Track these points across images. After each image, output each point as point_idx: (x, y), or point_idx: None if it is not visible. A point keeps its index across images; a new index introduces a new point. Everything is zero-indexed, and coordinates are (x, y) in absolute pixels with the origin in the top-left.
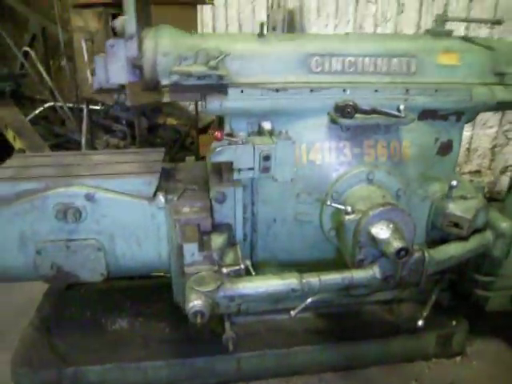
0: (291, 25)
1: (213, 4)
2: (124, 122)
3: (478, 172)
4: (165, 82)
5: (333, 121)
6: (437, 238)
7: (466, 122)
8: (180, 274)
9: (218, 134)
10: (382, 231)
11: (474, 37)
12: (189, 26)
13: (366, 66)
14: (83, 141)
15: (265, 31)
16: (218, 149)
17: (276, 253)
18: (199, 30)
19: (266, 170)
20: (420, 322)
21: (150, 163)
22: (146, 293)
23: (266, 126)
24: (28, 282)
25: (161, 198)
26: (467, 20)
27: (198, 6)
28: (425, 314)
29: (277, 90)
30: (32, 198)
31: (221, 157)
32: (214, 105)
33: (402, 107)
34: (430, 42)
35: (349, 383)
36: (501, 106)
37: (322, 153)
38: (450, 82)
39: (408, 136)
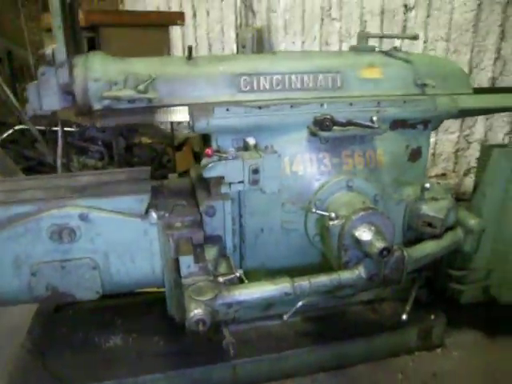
0: (260, 43)
1: (183, 25)
2: (100, 143)
3: (443, 175)
4: (97, 106)
5: (313, 134)
6: (412, 238)
7: (432, 130)
8: (174, 287)
9: (208, 150)
10: (364, 234)
11: (395, 51)
12: (162, 46)
13: (294, 83)
14: (59, 163)
15: (191, 54)
16: (209, 165)
17: (264, 261)
18: None
19: (255, 182)
20: (404, 316)
21: (138, 182)
22: (135, 309)
23: (251, 141)
24: (14, 306)
25: (153, 214)
26: (385, 36)
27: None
28: (408, 308)
29: (259, 108)
30: (25, 220)
31: (213, 172)
32: (201, 123)
33: (374, 118)
34: (353, 58)
35: (340, 381)
36: (462, 114)
37: (303, 164)
38: (373, 95)
39: (381, 145)
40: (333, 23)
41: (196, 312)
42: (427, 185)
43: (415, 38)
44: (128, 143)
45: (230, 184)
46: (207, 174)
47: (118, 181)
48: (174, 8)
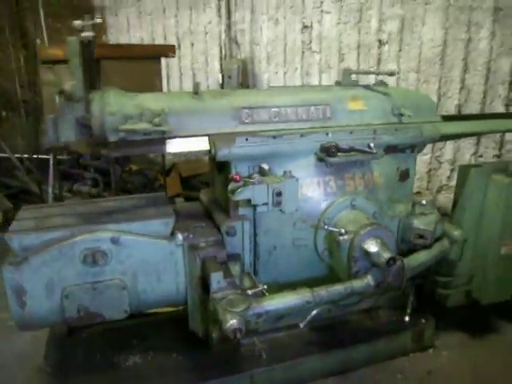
0: (244, 73)
1: (174, 57)
2: (92, 170)
3: (418, 193)
4: (112, 138)
5: (320, 159)
6: (405, 250)
7: (418, 153)
8: (199, 303)
9: (236, 176)
10: (372, 246)
11: (377, 86)
12: (154, 77)
13: (289, 115)
14: (50, 190)
15: (198, 90)
16: (239, 189)
17: (276, 276)
18: None
19: (278, 204)
20: (406, 318)
21: (159, 206)
22: (148, 329)
23: (265, 167)
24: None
25: (179, 236)
26: (366, 72)
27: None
28: (408, 311)
29: (274, 137)
30: (60, 245)
31: (242, 196)
32: (223, 151)
33: (372, 145)
34: (340, 92)
35: (347, 383)
36: (442, 139)
37: (312, 186)
38: (359, 124)
39: (377, 167)
40: (313, 55)
41: (232, 322)
42: (424, 201)
43: (392, 74)
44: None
45: (255, 206)
46: (237, 197)
47: (140, 206)
48: (158, 40)
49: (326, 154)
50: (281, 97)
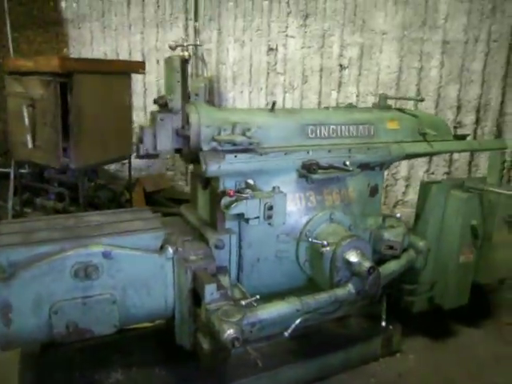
0: (210, 91)
1: (144, 73)
2: (55, 184)
3: None
4: (205, 148)
5: (303, 176)
6: (376, 260)
7: (385, 170)
8: (188, 316)
9: (230, 192)
10: (353, 256)
11: (405, 109)
12: (124, 92)
13: (343, 132)
14: (10, 204)
15: (274, 107)
16: (233, 204)
17: (259, 287)
18: None
19: (269, 217)
20: (383, 323)
21: (147, 220)
22: (127, 344)
23: (251, 182)
24: None
25: (169, 249)
26: (400, 98)
27: None
28: (384, 317)
29: (261, 154)
30: (50, 259)
31: (236, 210)
32: (213, 167)
33: (347, 163)
34: (380, 114)
35: None
36: (407, 157)
37: (294, 201)
38: (395, 142)
39: (351, 183)
40: (278, 76)
41: (230, 332)
42: (398, 215)
43: (422, 100)
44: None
45: (247, 219)
46: (232, 212)
47: (127, 220)
48: (122, 56)
49: (307, 171)
50: (336, 116)
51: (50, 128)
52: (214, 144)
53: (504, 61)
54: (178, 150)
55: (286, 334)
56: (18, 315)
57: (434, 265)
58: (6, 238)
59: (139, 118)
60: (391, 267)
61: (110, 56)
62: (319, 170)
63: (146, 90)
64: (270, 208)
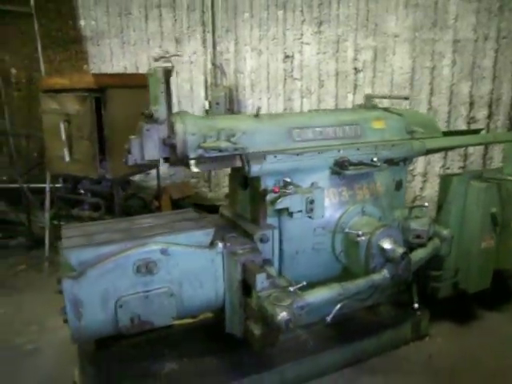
0: (230, 100)
1: None
2: (89, 195)
3: None
4: (192, 155)
5: (336, 173)
6: None
7: (408, 165)
8: (238, 306)
9: (275, 188)
10: (387, 243)
11: (390, 107)
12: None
13: (329, 133)
14: (47, 216)
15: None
16: (279, 200)
17: (297, 278)
18: None
19: (311, 210)
20: (416, 305)
21: (194, 220)
22: (175, 339)
23: (288, 180)
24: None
25: (220, 244)
26: (385, 97)
27: None
28: (416, 299)
29: (297, 154)
30: (115, 257)
31: (282, 205)
32: (255, 168)
33: (375, 159)
34: (365, 114)
35: (361, 373)
36: (428, 152)
37: (328, 196)
38: (381, 141)
39: (379, 178)
40: (295, 82)
41: (283, 314)
42: (426, 204)
43: (407, 98)
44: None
45: (291, 213)
46: (278, 206)
47: (176, 221)
48: (142, 69)
49: (340, 167)
50: (321, 118)
51: (87, 141)
52: (200, 151)
53: None
54: (166, 159)
55: (328, 319)
56: (87, 310)
57: (458, 252)
58: (71, 240)
59: None
60: (419, 254)
61: (130, 70)
62: (350, 167)
63: None
64: (312, 202)
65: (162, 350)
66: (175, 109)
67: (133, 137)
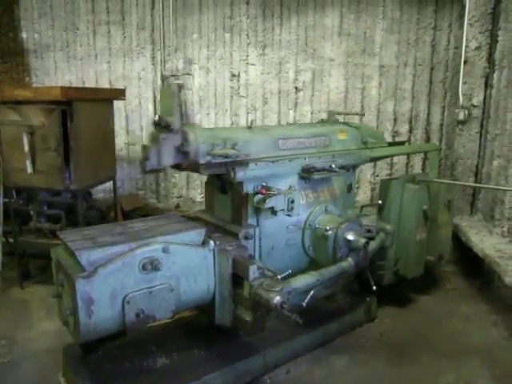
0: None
1: (124, 99)
2: (45, 207)
3: None
4: (202, 161)
5: (304, 178)
6: None
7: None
8: (228, 297)
9: (263, 190)
10: (350, 235)
11: (349, 122)
12: (108, 117)
13: (306, 143)
14: (0, 230)
15: (252, 125)
16: (267, 200)
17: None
18: None
19: (291, 209)
20: (374, 288)
21: (182, 222)
22: (160, 337)
23: (264, 185)
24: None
25: (211, 243)
26: (342, 113)
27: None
28: (372, 283)
29: (273, 162)
30: (123, 257)
31: (269, 204)
32: (240, 174)
33: (333, 166)
34: (332, 127)
35: (329, 351)
36: (371, 160)
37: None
38: (345, 149)
39: (335, 182)
40: (241, 99)
41: (278, 298)
42: (379, 202)
43: (362, 114)
44: None
45: (275, 211)
46: (267, 206)
47: (166, 224)
48: (89, 84)
49: (307, 173)
50: (301, 130)
51: (54, 153)
52: (209, 158)
53: (428, 81)
54: (177, 165)
55: (304, 303)
56: (97, 307)
57: (397, 244)
58: (78, 242)
59: None
60: (372, 245)
61: (76, 84)
62: (315, 172)
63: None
64: (292, 201)
65: (149, 347)
66: (123, 122)
67: (151, 145)
